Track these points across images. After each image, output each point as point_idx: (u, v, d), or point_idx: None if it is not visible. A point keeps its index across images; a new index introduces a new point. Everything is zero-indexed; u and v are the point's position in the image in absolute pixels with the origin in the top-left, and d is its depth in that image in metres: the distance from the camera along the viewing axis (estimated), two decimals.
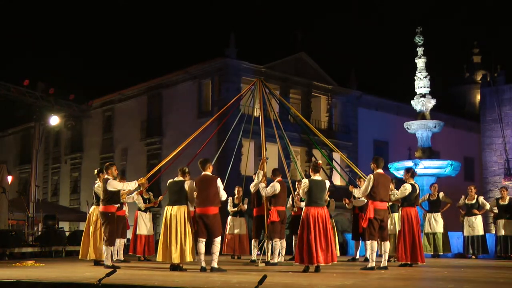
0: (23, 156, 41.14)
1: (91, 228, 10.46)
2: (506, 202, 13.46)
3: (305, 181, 8.84)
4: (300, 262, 8.68)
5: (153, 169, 11.38)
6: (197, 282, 6.90)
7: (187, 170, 9.19)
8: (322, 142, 12.83)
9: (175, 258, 8.85)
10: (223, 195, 9.07)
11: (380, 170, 9.27)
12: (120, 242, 11.80)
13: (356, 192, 10.30)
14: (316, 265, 8.55)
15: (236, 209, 13.11)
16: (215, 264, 8.73)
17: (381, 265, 9.09)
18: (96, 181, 10.42)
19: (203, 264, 8.74)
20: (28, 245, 15.10)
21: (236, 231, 13.12)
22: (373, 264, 8.99)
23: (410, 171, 10.21)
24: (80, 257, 10.74)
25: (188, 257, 8.88)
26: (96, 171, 10.50)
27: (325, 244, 8.60)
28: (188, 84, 32.14)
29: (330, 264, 8.67)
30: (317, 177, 8.87)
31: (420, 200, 14.24)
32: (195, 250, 8.94)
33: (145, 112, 34.66)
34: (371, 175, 9.22)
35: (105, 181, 9.63)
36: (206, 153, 12.61)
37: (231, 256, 13.40)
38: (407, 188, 9.97)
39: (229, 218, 13.28)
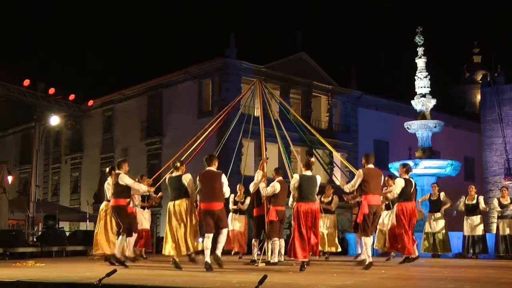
0: (23, 156, 41.14)
1: (101, 223, 10.62)
2: (508, 201, 13.46)
3: (296, 177, 8.90)
4: (294, 257, 8.76)
5: (155, 169, 11.45)
6: (197, 282, 6.90)
7: (178, 164, 9.21)
8: (322, 142, 12.82)
9: (183, 251, 8.92)
10: (227, 192, 9.11)
11: (370, 165, 9.35)
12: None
13: (346, 188, 10.30)
14: (306, 260, 8.66)
15: (236, 206, 13.19)
16: (219, 253, 8.84)
17: (359, 258, 9.24)
18: (108, 179, 10.50)
19: (208, 259, 8.75)
20: (28, 245, 15.08)
21: (236, 227, 13.18)
22: (370, 260, 9.07)
23: (405, 167, 10.21)
24: (94, 252, 10.91)
25: (191, 248, 8.93)
26: (108, 169, 10.55)
27: (315, 238, 8.78)
28: (188, 84, 32.13)
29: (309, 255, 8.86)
30: (308, 172, 8.91)
31: (421, 200, 14.24)
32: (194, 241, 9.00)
33: (145, 112, 34.66)
34: (360, 170, 9.35)
35: (117, 176, 9.75)
36: (206, 153, 12.59)
37: (232, 252, 13.48)
38: (400, 182, 9.96)
39: (230, 215, 13.32)
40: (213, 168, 9.08)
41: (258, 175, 10.60)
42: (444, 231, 13.98)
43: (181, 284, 6.56)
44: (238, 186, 13.27)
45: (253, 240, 11.44)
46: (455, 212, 14.18)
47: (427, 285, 7.08)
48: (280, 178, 10.33)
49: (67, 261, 12.35)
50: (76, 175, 39.95)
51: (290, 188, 9.28)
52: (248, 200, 13.28)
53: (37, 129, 18.09)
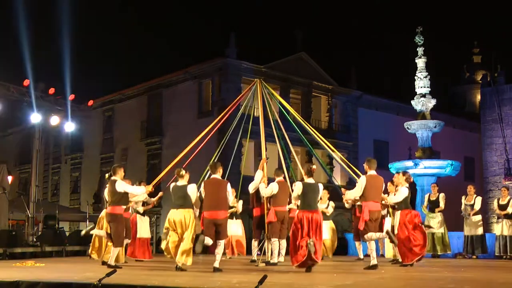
0: (23, 156, 41.11)
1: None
2: (505, 201, 13.45)
3: (299, 185, 8.87)
4: (295, 264, 8.67)
5: (155, 169, 11.42)
6: (197, 282, 6.90)
7: (183, 172, 9.16)
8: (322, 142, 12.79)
9: (186, 260, 8.84)
10: (230, 200, 9.20)
11: (372, 172, 9.33)
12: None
13: (348, 195, 10.25)
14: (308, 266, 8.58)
15: (234, 209, 13.10)
16: (217, 264, 8.70)
17: (371, 264, 9.13)
18: (107, 185, 10.35)
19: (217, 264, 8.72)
20: (28, 245, 15.06)
21: (231, 232, 13.05)
22: (375, 262, 9.03)
23: (405, 175, 10.11)
24: (90, 256, 10.82)
25: (187, 261, 8.87)
26: (107, 175, 10.32)
27: (318, 246, 8.63)
28: (188, 84, 32.14)
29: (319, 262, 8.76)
30: (310, 180, 8.90)
31: (426, 204, 14.21)
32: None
33: (145, 112, 34.67)
34: (364, 176, 9.30)
35: (113, 183, 9.59)
36: (206, 153, 12.60)
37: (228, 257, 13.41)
38: (403, 192, 9.92)
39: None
40: (218, 176, 9.01)
41: (258, 175, 10.58)
42: (443, 231, 13.97)
43: (181, 284, 6.56)
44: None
45: (253, 240, 11.42)
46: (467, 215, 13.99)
47: (427, 285, 7.08)
48: (280, 178, 10.32)
49: (67, 261, 12.34)
50: (76, 175, 39.95)
51: (292, 196, 9.26)
52: (241, 203, 13.28)
53: (37, 129, 18.05)
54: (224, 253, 13.18)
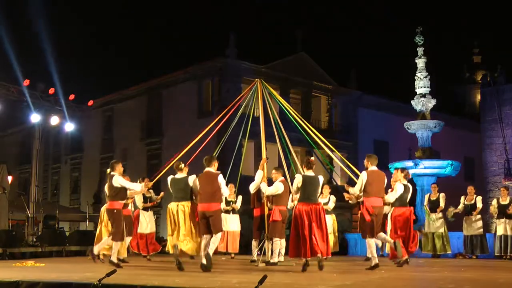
0: (23, 156, 41.11)
1: (103, 226, 10.55)
2: (507, 201, 13.46)
3: (299, 177, 8.86)
4: (295, 256, 8.67)
5: (155, 169, 11.42)
6: (197, 282, 6.90)
7: (182, 165, 9.17)
8: (322, 143, 12.77)
9: (189, 250, 8.83)
10: (225, 192, 9.14)
11: (373, 167, 9.30)
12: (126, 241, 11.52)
13: (351, 190, 10.24)
14: (307, 260, 8.54)
15: (229, 207, 13.13)
16: (210, 252, 8.65)
17: (372, 264, 9.12)
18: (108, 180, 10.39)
19: (204, 261, 8.70)
20: (28, 245, 15.07)
21: (229, 228, 13.09)
22: (376, 261, 8.99)
23: (404, 172, 10.12)
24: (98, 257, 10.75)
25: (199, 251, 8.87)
26: (108, 170, 10.35)
27: (321, 238, 8.59)
28: (188, 84, 32.14)
29: (325, 257, 8.69)
30: (310, 172, 8.89)
31: (426, 203, 14.21)
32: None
33: (145, 112, 34.66)
34: (364, 172, 9.26)
35: (111, 178, 9.68)
36: (206, 154, 12.57)
37: (224, 254, 13.40)
38: (398, 189, 9.92)
39: (223, 215, 13.24)
40: (212, 169, 9.03)
41: (258, 175, 10.57)
42: (443, 231, 13.98)
43: (181, 284, 6.56)
44: (229, 185, 13.19)
45: (253, 240, 11.42)
46: (449, 218, 14.07)
47: (427, 285, 7.08)
48: (282, 178, 10.32)
49: (67, 261, 12.34)
50: (76, 175, 39.95)
51: (292, 189, 9.23)
52: (240, 199, 13.26)
53: (37, 129, 18.04)
54: (228, 253, 13.25)
